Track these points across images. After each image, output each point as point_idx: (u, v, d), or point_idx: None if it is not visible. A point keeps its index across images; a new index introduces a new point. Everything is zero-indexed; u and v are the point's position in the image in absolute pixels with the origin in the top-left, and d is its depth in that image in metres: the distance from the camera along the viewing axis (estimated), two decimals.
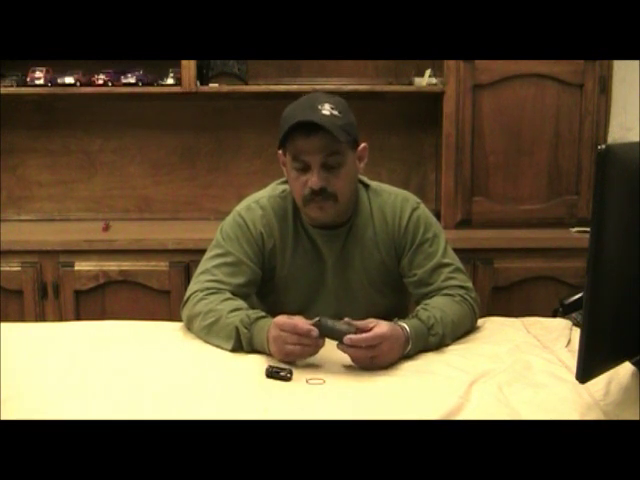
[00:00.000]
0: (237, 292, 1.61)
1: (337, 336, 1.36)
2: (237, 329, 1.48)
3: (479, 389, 1.27)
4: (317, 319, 1.38)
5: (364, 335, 1.35)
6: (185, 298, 1.64)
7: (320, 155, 1.54)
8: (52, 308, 2.60)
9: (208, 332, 1.54)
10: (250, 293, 1.69)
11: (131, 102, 2.92)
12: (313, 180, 1.54)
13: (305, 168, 1.56)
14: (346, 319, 1.40)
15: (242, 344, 1.48)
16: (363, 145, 1.65)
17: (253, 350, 1.47)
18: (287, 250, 1.68)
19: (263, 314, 1.50)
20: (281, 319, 1.41)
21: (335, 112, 1.53)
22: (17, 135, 2.98)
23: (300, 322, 1.39)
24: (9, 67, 2.73)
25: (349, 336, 1.34)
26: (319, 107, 1.53)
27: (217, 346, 1.52)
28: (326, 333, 1.37)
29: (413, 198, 1.72)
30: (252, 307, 1.62)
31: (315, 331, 1.36)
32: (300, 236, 1.68)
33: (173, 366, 1.42)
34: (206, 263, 1.66)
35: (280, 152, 1.64)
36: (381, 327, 1.37)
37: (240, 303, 1.57)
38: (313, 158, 1.54)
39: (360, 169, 1.66)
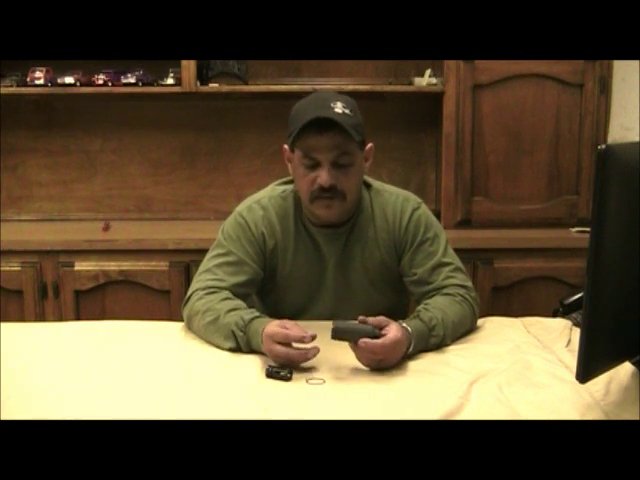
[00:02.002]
0: (237, 291, 1.61)
1: (352, 338, 1.36)
2: (233, 332, 1.48)
3: (479, 389, 1.27)
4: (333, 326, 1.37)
5: (380, 342, 1.35)
6: (186, 297, 1.65)
7: (332, 153, 1.54)
8: (52, 308, 2.60)
9: (206, 331, 1.54)
10: (250, 293, 1.70)
11: (131, 102, 2.92)
12: (323, 178, 1.55)
13: (315, 165, 1.56)
14: (360, 317, 1.39)
15: (240, 346, 1.48)
16: (370, 145, 1.66)
17: (252, 350, 1.47)
18: (288, 250, 1.68)
19: (257, 314, 1.50)
20: (272, 329, 1.39)
21: (347, 111, 1.53)
22: (17, 135, 2.98)
23: (292, 331, 1.38)
24: (9, 67, 2.73)
25: (364, 340, 1.34)
26: (332, 105, 1.53)
27: (216, 345, 1.52)
28: (341, 336, 1.37)
29: (414, 198, 1.72)
30: (252, 307, 1.62)
31: (308, 337, 1.35)
32: (301, 236, 1.68)
33: (173, 366, 1.42)
34: (208, 263, 1.66)
35: (286, 147, 1.64)
36: (394, 332, 1.37)
37: (238, 303, 1.57)
38: (324, 156, 1.54)
39: (366, 169, 1.67)
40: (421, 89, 2.74)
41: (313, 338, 1.36)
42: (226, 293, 1.59)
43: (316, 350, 1.37)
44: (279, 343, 1.37)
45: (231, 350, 1.49)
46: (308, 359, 1.37)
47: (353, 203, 1.64)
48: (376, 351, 1.35)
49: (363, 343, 1.34)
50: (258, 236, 1.67)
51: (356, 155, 1.58)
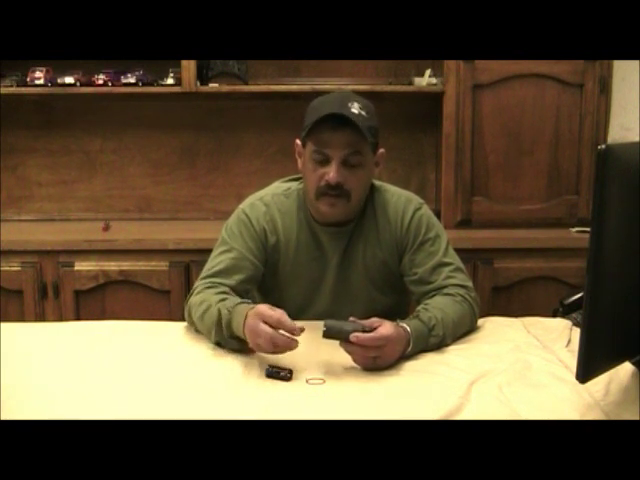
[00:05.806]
0: (238, 287, 1.62)
1: (344, 336, 1.35)
2: (219, 312, 1.47)
3: (479, 389, 1.27)
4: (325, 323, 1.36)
5: (370, 335, 1.34)
6: (188, 295, 1.66)
7: (343, 151, 1.55)
8: (52, 308, 2.60)
9: (200, 322, 1.55)
10: (251, 289, 1.71)
11: (131, 102, 2.92)
12: (331, 175, 1.55)
13: (325, 161, 1.57)
14: (351, 318, 1.39)
15: (222, 327, 1.46)
16: (381, 151, 1.67)
17: (231, 336, 1.45)
18: (290, 247, 1.69)
19: (248, 301, 1.50)
20: (265, 310, 1.37)
21: (363, 112, 1.55)
22: (17, 135, 2.98)
23: (284, 318, 1.35)
24: (9, 67, 2.73)
25: (355, 334, 1.34)
26: (349, 105, 1.55)
27: (206, 335, 1.53)
28: (332, 334, 1.36)
29: (416, 199, 1.73)
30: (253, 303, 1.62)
31: (298, 330, 1.33)
32: (304, 233, 1.69)
33: (173, 366, 1.42)
34: (212, 260, 1.68)
35: (298, 142, 1.65)
36: (386, 328, 1.37)
37: (233, 297, 1.56)
38: (336, 152, 1.55)
39: (375, 174, 1.68)
40: (421, 89, 2.75)
41: (302, 331, 1.33)
42: (224, 288, 1.60)
43: (297, 343, 1.34)
44: (267, 324, 1.34)
45: (215, 338, 1.48)
46: (291, 349, 1.33)
47: (357, 204, 1.64)
48: (368, 345, 1.34)
49: (354, 337, 1.33)
50: (260, 232, 1.68)
51: (367, 157, 1.59)
